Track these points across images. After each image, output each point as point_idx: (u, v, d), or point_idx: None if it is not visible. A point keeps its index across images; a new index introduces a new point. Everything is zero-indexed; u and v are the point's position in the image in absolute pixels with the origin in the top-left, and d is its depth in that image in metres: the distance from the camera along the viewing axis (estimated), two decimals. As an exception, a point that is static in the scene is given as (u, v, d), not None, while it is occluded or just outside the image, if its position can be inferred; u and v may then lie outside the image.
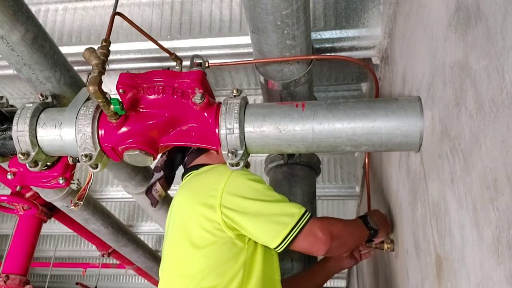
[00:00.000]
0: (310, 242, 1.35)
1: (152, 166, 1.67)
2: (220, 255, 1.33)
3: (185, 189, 1.52)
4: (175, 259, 1.41)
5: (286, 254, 1.97)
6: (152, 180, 1.62)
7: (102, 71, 1.16)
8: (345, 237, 1.46)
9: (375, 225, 1.57)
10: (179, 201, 1.49)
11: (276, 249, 1.35)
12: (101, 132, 1.23)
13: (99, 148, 1.23)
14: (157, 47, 1.61)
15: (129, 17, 1.47)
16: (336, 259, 1.75)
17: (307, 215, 1.35)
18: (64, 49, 1.77)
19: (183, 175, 1.62)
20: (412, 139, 1.19)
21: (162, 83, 1.28)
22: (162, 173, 1.62)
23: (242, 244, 1.36)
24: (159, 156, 1.63)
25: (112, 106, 1.16)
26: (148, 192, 1.62)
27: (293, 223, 1.32)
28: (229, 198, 1.34)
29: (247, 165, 1.63)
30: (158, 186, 1.61)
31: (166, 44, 1.90)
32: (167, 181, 1.63)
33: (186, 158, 1.63)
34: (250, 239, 1.38)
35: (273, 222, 1.33)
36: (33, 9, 2.18)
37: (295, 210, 1.35)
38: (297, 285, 1.75)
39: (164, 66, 2.01)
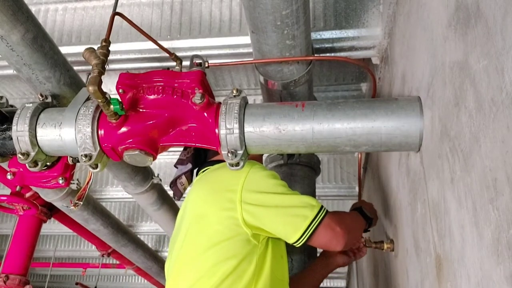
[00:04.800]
0: (330, 236, 1.36)
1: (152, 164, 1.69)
2: (233, 251, 1.34)
3: (202, 184, 1.53)
4: (189, 254, 1.41)
5: (287, 254, 1.97)
6: (178, 173, 1.66)
7: (102, 71, 1.15)
8: (356, 230, 1.52)
9: (370, 215, 1.63)
10: (195, 197, 1.50)
11: (296, 243, 1.35)
12: (101, 132, 1.23)
13: (99, 148, 1.23)
14: (157, 47, 1.61)
15: (129, 17, 1.47)
16: (331, 256, 1.76)
17: (324, 209, 1.37)
18: (64, 49, 1.77)
19: (198, 170, 1.63)
20: (412, 139, 1.19)
21: (162, 83, 1.27)
22: (190, 166, 1.65)
23: (256, 243, 1.37)
24: (173, 153, 1.67)
25: (112, 106, 1.16)
26: (173, 184, 1.66)
27: (312, 216, 1.33)
28: (249, 194, 1.36)
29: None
30: (183, 179, 1.65)
31: (166, 44, 1.90)
32: (191, 174, 1.67)
33: (207, 153, 1.66)
34: (263, 238, 1.39)
35: (292, 215, 1.35)
36: (33, 9, 2.18)
37: (313, 203, 1.37)
38: (295, 285, 1.75)
39: (164, 66, 2.01)
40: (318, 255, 2.06)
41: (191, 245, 1.41)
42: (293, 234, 1.34)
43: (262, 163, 1.71)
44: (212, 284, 1.30)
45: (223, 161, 1.55)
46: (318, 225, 1.33)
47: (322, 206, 1.37)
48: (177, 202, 3.31)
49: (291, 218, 1.35)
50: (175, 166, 1.69)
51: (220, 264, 1.32)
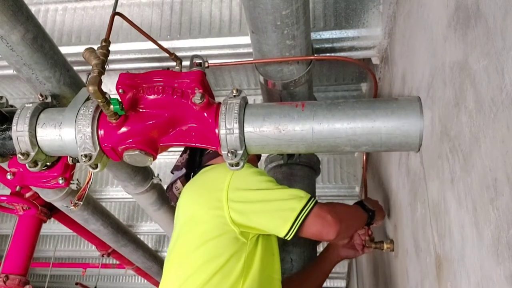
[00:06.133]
0: (320, 225, 1.34)
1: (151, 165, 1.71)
2: (221, 249, 1.35)
3: (191, 186, 1.55)
4: (180, 254, 1.42)
5: (286, 254, 1.98)
6: (174, 178, 1.68)
7: (102, 71, 1.15)
8: (350, 219, 1.50)
9: (372, 207, 1.63)
10: (186, 198, 1.52)
11: (286, 236, 1.34)
12: (101, 132, 1.23)
13: (98, 148, 1.23)
14: (157, 47, 1.61)
15: (129, 17, 1.47)
16: (334, 248, 1.76)
17: (313, 199, 1.36)
18: (64, 49, 1.77)
19: (193, 174, 1.65)
20: (412, 139, 1.19)
21: (162, 83, 1.27)
22: (184, 171, 1.66)
23: (245, 240, 1.37)
24: (173, 153, 1.70)
25: (111, 106, 1.16)
26: (169, 190, 1.68)
27: (300, 207, 1.33)
28: (235, 192, 1.37)
29: (258, 157, 1.71)
30: (179, 184, 1.68)
31: (166, 44, 1.90)
32: (186, 179, 1.68)
33: (203, 158, 1.67)
34: (253, 236, 1.39)
35: (280, 208, 1.34)
36: (33, 9, 2.18)
37: (301, 195, 1.37)
38: (302, 281, 1.76)
39: (164, 66, 2.01)
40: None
41: (182, 245, 1.43)
42: (283, 227, 1.33)
43: (257, 165, 1.71)
44: (200, 283, 1.31)
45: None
46: (307, 216, 1.32)
47: (311, 197, 1.36)
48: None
49: (279, 212, 1.34)
50: (171, 172, 1.71)
51: (208, 263, 1.33)
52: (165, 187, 2.98)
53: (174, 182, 1.67)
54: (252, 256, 1.38)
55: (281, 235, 1.35)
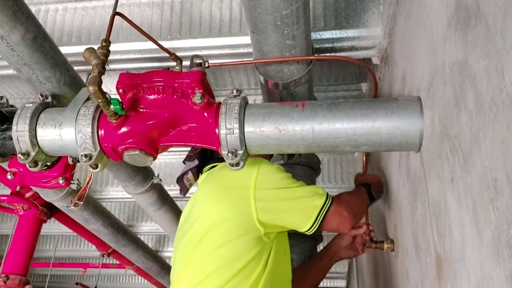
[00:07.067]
0: (338, 221, 1.45)
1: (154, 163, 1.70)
2: (242, 249, 1.35)
3: (211, 182, 1.52)
4: (197, 253, 1.39)
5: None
6: (185, 169, 1.68)
7: (102, 71, 1.15)
8: (361, 210, 1.61)
9: (377, 196, 1.74)
10: (204, 194, 1.49)
11: (308, 231, 1.42)
12: (101, 132, 1.23)
13: (99, 148, 1.23)
14: (157, 47, 1.61)
15: (129, 17, 1.47)
16: (335, 248, 1.79)
17: (330, 196, 1.45)
18: (64, 49, 1.77)
19: (204, 167, 1.64)
20: (412, 139, 1.19)
21: (162, 83, 1.27)
22: (197, 162, 1.67)
23: (267, 240, 1.39)
24: (173, 153, 1.70)
25: (112, 106, 1.16)
26: (180, 180, 1.68)
27: (321, 204, 1.41)
28: (263, 192, 1.39)
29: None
30: (190, 175, 1.68)
31: (166, 44, 1.90)
32: (198, 170, 1.68)
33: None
34: (274, 236, 1.41)
35: (304, 206, 1.42)
36: (33, 9, 2.18)
37: (320, 192, 1.44)
38: (300, 276, 1.76)
39: (164, 66, 2.01)
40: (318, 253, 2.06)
41: (200, 244, 1.39)
42: (306, 223, 1.40)
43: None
44: (216, 285, 1.30)
45: None
46: (327, 212, 1.40)
47: (327, 194, 1.44)
48: (177, 202, 3.31)
49: (303, 209, 1.41)
50: (183, 162, 1.71)
51: (227, 264, 1.33)
52: (165, 187, 2.99)
53: (186, 173, 1.66)
54: (268, 257, 1.39)
55: (303, 230, 1.42)
